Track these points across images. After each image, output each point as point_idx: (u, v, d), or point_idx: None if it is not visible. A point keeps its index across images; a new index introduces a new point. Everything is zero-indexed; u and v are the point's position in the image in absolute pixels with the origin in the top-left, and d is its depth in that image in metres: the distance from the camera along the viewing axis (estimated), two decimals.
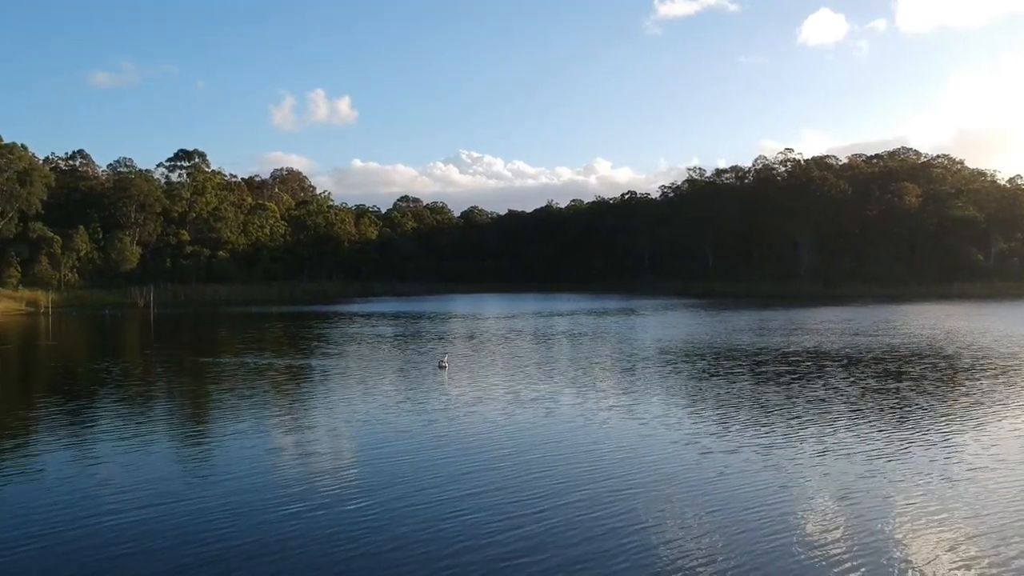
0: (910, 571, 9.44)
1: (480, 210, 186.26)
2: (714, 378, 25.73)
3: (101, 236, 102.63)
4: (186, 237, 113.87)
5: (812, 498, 12.49)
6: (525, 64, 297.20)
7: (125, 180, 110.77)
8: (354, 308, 77.43)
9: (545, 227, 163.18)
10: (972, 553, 10.00)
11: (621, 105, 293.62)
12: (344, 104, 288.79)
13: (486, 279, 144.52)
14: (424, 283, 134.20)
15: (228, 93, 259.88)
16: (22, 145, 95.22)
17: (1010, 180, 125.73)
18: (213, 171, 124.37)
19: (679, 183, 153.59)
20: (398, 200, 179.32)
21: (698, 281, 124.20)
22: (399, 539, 10.71)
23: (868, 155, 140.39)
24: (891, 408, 20.11)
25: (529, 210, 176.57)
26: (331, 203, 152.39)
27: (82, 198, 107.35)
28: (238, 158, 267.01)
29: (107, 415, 20.13)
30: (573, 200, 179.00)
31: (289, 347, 38.64)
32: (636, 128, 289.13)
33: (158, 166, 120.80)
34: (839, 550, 10.09)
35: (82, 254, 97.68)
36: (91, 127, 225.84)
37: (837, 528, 10.98)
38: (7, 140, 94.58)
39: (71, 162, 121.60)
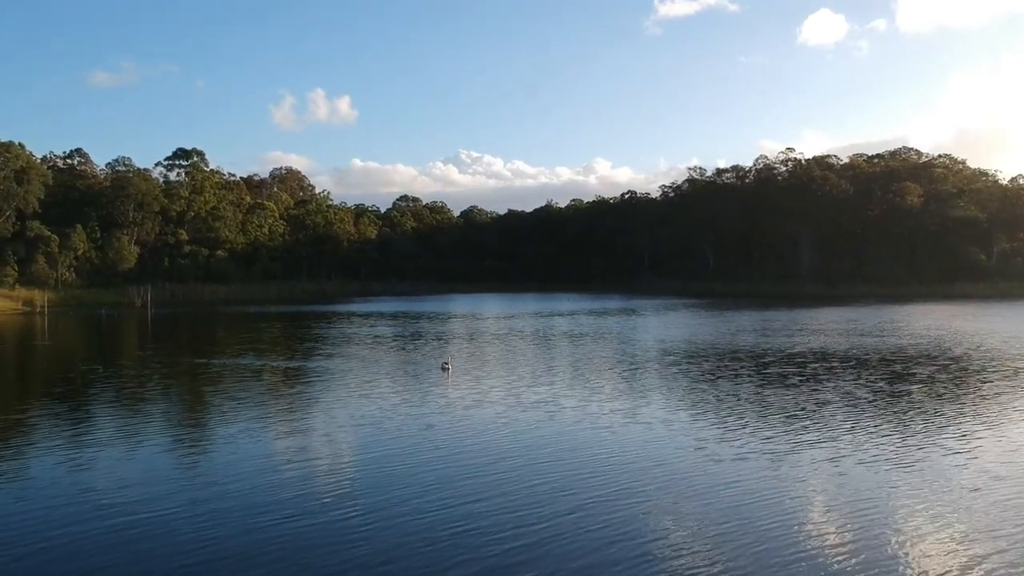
0: None
1: (480, 210, 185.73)
2: (719, 380, 25.19)
3: (99, 235, 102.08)
4: (184, 236, 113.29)
5: (829, 509, 11.94)
6: (525, 64, 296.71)
7: (123, 179, 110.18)
8: (353, 308, 76.90)
9: (545, 227, 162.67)
10: (997, 569, 9.47)
11: (621, 105, 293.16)
12: (344, 104, 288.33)
13: (486, 279, 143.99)
14: (423, 283, 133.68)
15: (228, 93, 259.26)
16: (19, 143, 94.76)
17: (1012, 180, 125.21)
18: (212, 170, 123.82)
19: (679, 183, 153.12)
20: (397, 200, 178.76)
21: (698, 281, 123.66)
22: (395, 550, 10.19)
23: (869, 155, 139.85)
24: (904, 412, 19.57)
25: (529, 210, 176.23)
26: (330, 202, 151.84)
27: (80, 197, 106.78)
28: (238, 158, 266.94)
29: (97, 418, 19.58)
30: (573, 200, 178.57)
31: (287, 348, 38.10)
32: (636, 128, 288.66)
33: (156, 165, 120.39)
34: (858, 565, 9.56)
35: (79, 253, 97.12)
36: (91, 127, 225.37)
37: (856, 542, 10.41)
38: (5, 139, 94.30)
39: (69, 161, 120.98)
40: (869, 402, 20.96)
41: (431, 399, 21.95)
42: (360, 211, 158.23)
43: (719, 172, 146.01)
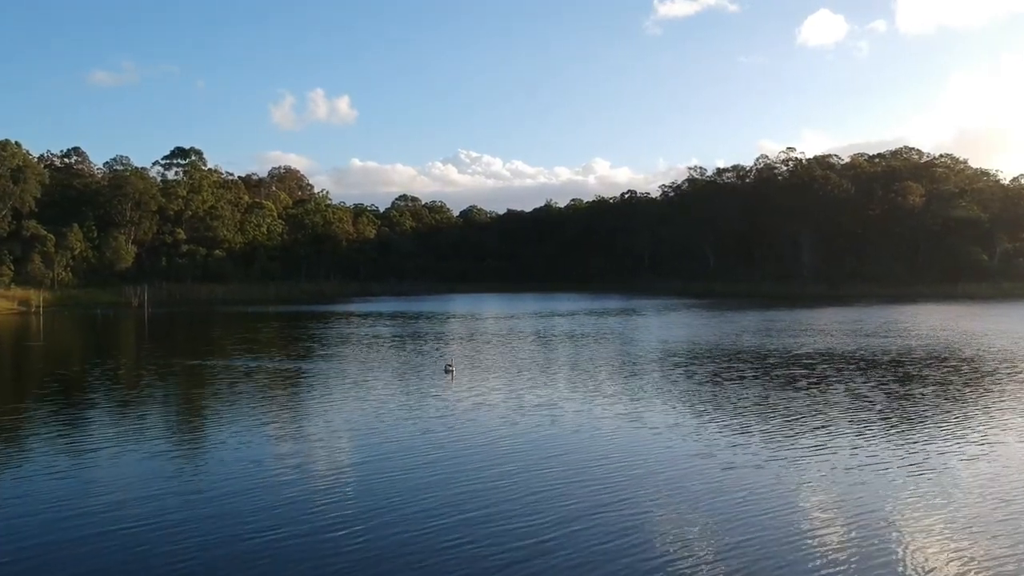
0: None
1: (479, 209, 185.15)
2: (727, 382, 24.50)
3: (96, 234, 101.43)
4: (182, 236, 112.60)
5: (850, 522, 11.20)
6: (524, 64, 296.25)
7: (120, 178, 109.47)
8: (352, 308, 76.23)
9: (544, 227, 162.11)
10: None
11: (620, 105, 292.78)
12: (343, 103, 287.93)
13: (485, 279, 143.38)
14: (423, 283, 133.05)
15: (228, 92, 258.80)
16: (15, 142, 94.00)
17: (1013, 180, 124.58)
18: (210, 169, 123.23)
19: (679, 182, 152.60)
20: (397, 199, 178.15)
21: (699, 281, 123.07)
22: (393, 560, 9.53)
23: (870, 155, 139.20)
24: (922, 416, 18.88)
25: (528, 210, 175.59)
26: (329, 202, 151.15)
27: (77, 196, 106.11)
28: (237, 157, 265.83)
29: (86, 421, 18.87)
30: (572, 200, 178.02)
31: (284, 349, 37.40)
32: (635, 128, 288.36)
33: (154, 164, 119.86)
34: None
35: (76, 253, 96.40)
36: (91, 126, 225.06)
37: (880, 557, 9.74)
38: (4, 137, 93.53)
39: (66, 160, 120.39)
40: (883, 406, 20.27)
41: (433, 402, 21.26)
42: (359, 211, 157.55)
43: (719, 172, 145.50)
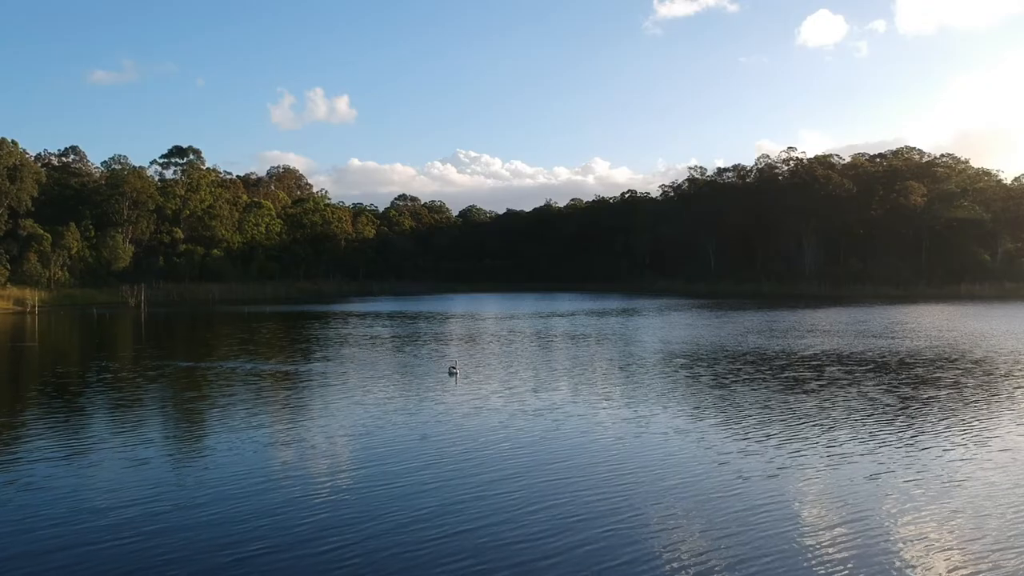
0: None
1: (479, 209, 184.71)
2: (735, 385, 23.84)
3: (93, 234, 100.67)
4: (180, 235, 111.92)
5: (878, 537, 10.57)
6: (524, 64, 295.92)
7: (118, 177, 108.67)
8: (351, 308, 75.58)
9: (544, 226, 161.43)
10: None
11: (620, 105, 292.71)
12: (343, 103, 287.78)
13: (485, 279, 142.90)
14: (422, 282, 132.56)
15: (227, 91, 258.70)
16: (12, 141, 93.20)
17: (1015, 180, 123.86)
18: (208, 168, 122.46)
19: (680, 182, 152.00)
20: (396, 199, 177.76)
21: (700, 281, 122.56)
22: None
23: (871, 154, 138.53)
24: (939, 421, 18.20)
25: (527, 209, 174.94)
26: (328, 201, 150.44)
27: (74, 195, 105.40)
28: (237, 156, 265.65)
29: (78, 425, 18.19)
30: (572, 199, 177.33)
31: (282, 349, 36.73)
32: (634, 128, 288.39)
33: (152, 163, 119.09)
34: None
35: (73, 252, 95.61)
36: (91, 125, 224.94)
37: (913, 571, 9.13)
38: (2, 137, 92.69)
39: (64, 159, 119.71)
40: (897, 410, 19.61)
41: (434, 406, 20.61)
42: (358, 210, 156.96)
43: (720, 171, 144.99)
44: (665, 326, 49.05)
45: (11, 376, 29.81)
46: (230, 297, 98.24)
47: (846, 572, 9.20)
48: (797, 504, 11.98)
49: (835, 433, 16.88)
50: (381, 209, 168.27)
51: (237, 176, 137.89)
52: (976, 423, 17.96)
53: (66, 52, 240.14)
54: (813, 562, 9.53)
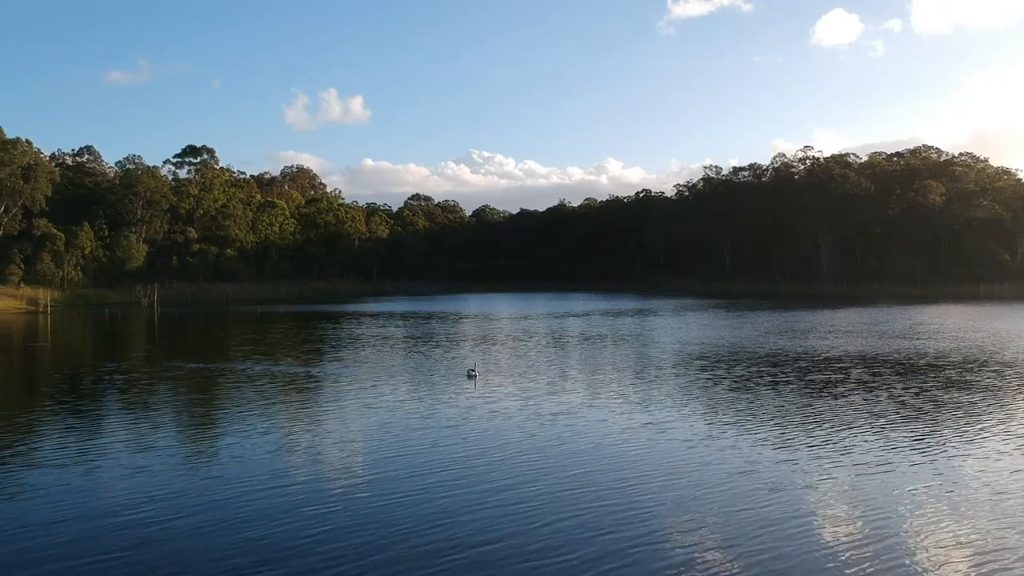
0: None
1: (492, 209, 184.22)
2: (759, 388, 23.11)
3: (107, 233, 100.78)
4: (193, 234, 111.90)
5: (920, 554, 9.89)
6: (537, 64, 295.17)
7: (132, 176, 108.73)
8: (364, 308, 75.17)
9: (558, 226, 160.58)
10: None
11: (633, 105, 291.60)
12: (357, 103, 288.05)
13: (498, 278, 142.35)
14: (436, 282, 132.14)
15: (242, 92, 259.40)
16: (26, 140, 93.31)
17: None
18: (221, 168, 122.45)
19: (695, 181, 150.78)
20: (409, 199, 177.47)
21: (715, 281, 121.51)
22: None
23: (888, 153, 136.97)
24: (980, 429, 17.42)
25: (541, 209, 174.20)
26: (342, 201, 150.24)
27: (88, 195, 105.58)
28: (251, 156, 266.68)
29: (87, 427, 17.72)
30: (586, 199, 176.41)
31: (295, 350, 36.26)
32: (648, 128, 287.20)
33: (165, 163, 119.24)
34: None
35: (87, 251, 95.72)
36: (105, 125, 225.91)
37: None
38: (13, 136, 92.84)
39: (78, 158, 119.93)
40: (933, 415, 18.82)
41: (448, 409, 20.02)
42: (372, 210, 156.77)
43: (736, 170, 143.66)
44: (682, 327, 48.31)
45: (22, 376, 29.45)
46: (243, 297, 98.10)
47: None
48: (827, 516, 11.32)
49: (866, 439, 16.16)
50: (395, 209, 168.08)
51: (251, 176, 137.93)
52: (1020, 428, 17.17)
53: (81, 52, 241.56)
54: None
